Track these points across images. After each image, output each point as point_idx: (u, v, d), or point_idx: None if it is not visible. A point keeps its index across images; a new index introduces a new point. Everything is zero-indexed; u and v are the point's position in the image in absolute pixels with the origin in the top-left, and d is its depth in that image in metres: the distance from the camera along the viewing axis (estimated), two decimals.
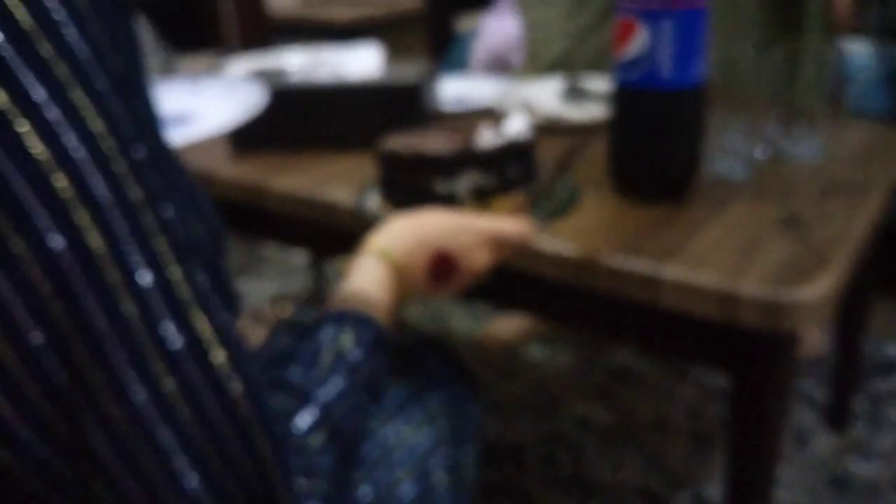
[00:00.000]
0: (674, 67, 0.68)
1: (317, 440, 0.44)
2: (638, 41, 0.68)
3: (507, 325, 1.56)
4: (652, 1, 0.66)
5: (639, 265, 0.62)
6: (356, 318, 0.52)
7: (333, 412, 0.46)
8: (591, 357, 1.51)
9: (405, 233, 0.60)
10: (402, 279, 0.57)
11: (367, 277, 0.56)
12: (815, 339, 1.42)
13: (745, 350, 0.63)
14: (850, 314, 1.16)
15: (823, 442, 1.23)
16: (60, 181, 0.30)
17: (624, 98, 0.72)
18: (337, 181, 0.84)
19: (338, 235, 0.79)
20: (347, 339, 0.50)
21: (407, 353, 0.73)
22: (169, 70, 1.25)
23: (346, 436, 0.47)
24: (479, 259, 0.61)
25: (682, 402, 1.35)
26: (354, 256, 0.58)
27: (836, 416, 1.24)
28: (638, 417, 1.32)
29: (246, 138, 0.96)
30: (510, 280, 0.73)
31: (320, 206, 0.82)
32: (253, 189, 0.87)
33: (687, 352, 0.67)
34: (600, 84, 1.13)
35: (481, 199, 0.72)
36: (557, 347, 1.55)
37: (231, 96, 0.92)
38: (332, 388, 0.47)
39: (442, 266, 0.60)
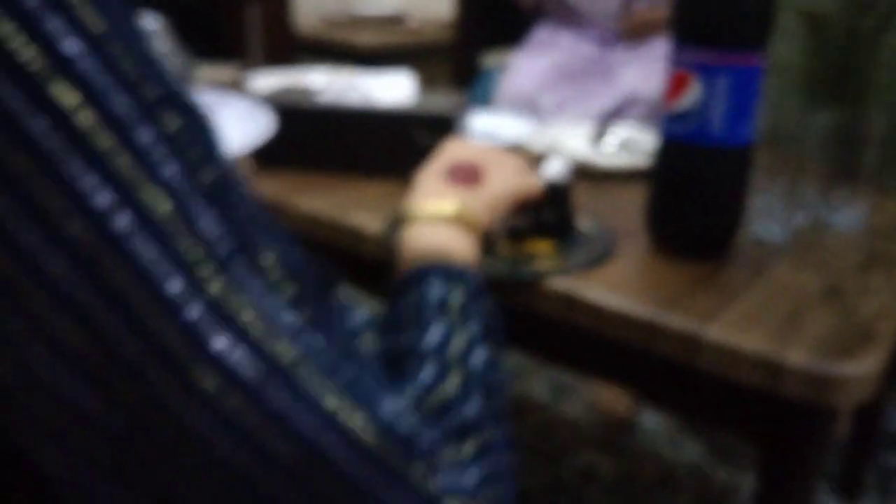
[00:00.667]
0: (725, 124, 0.67)
1: (450, 387, 0.39)
2: (690, 95, 0.67)
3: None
4: (708, 56, 0.65)
5: (679, 323, 0.60)
6: (421, 274, 0.48)
7: (451, 354, 0.41)
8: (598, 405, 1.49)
9: (425, 179, 0.60)
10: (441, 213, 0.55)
11: (411, 239, 0.53)
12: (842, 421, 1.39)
13: (782, 422, 0.60)
14: None
15: None
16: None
17: (670, 151, 0.71)
18: (364, 207, 0.82)
19: (359, 263, 0.77)
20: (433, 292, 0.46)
21: None
22: (187, 78, 1.24)
23: (482, 375, 0.42)
24: (504, 171, 0.61)
25: (689, 458, 1.33)
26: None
27: (848, 487, 1.22)
28: (643, 472, 1.29)
29: (269, 154, 0.94)
30: (539, 326, 0.71)
31: (345, 231, 0.80)
32: (273, 207, 0.85)
33: (720, 418, 0.64)
34: (632, 132, 1.13)
35: (516, 239, 0.70)
36: (565, 393, 1.52)
37: (247, 120, 0.90)
38: (434, 332, 0.42)
39: (460, 173, 0.59)
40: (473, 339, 0.44)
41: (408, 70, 1.30)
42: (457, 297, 0.46)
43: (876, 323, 0.61)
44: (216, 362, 0.28)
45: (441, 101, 1.00)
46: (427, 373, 0.39)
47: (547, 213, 0.72)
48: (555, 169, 0.73)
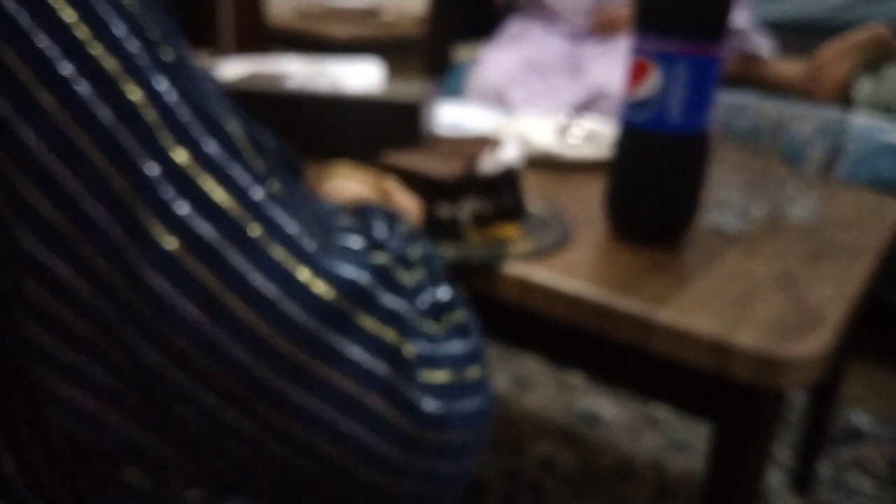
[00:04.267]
0: (683, 112, 0.68)
1: (416, 275, 0.39)
2: (650, 83, 0.68)
3: None
4: (667, 44, 0.66)
5: (631, 306, 0.60)
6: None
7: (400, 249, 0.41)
8: (557, 398, 1.50)
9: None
10: None
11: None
12: None
13: (732, 403, 0.61)
14: (822, 379, 1.16)
15: None
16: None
17: (629, 138, 0.71)
18: None
19: None
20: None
21: None
22: None
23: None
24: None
25: (647, 451, 1.34)
26: None
27: (801, 479, 1.24)
28: (602, 463, 1.30)
29: None
30: (495, 308, 0.71)
31: None
32: None
33: (673, 400, 0.65)
34: (596, 125, 1.14)
35: (481, 225, 0.71)
36: (526, 386, 1.53)
37: None
38: (379, 228, 0.42)
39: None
40: (411, 235, 0.45)
41: (377, 59, 1.30)
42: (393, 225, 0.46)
43: (825, 308, 0.62)
44: (177, 223, 0.29)
45: (408, 90, 1.00)
46: (386, 257, 0.37)
47: (504, 196, 0.72)
48: (510, 154, 0.74)
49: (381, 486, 0.33)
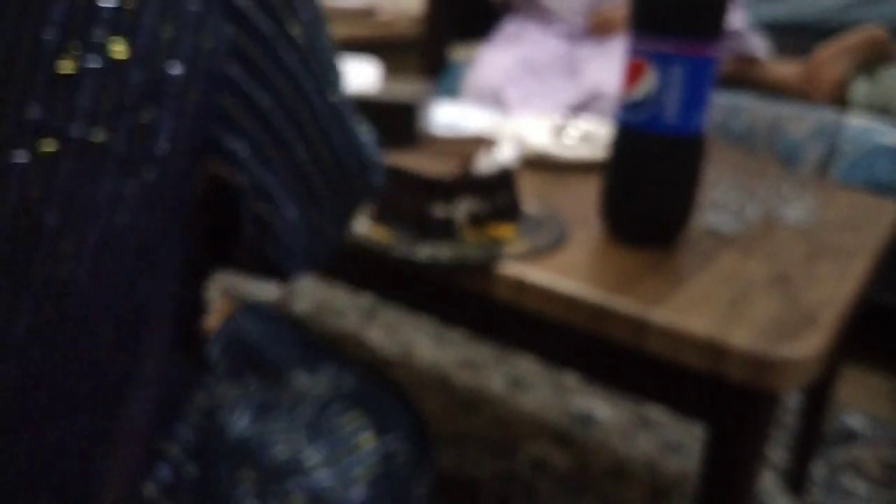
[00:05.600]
0: (679, 113, 0.68)
1: None
2: (646, 83, 0.68)
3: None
4: (664, 45, 0.66)
5: (626, 306, 0.60)
6: None
7: None
8: (552, 399, 1.50)
9: None
10: None
11: None
12: None
13: (727, 404, 0.61)
14: (816, 380, 1.16)
15: None
16: None
17: (625, 138, 0.71)
18: None
19: None
20: None
21: (367, 395, 0.71)
22: None
23: None
24: None
25: (641, 452, 1.34)
26: None
27: (795, 480, 1.24)
28: (596, 464, 1.30)
29: None
30: (490, 308, 0.71)
31: None
32: None
33: (668, 400, 0.65)
34: (592, 126, 1.14)
35: (477, 224, 0.71)
36: (521, 386, 1.53)
37: None
38: None
39: None
40: None
41: (373, 59, 1.30)
42: None
43: (820, 309, 0.62)
44: (337, 115, 0.48)
45: (404, 89, 1.00)
46: None
47: (500, 197, 0.72)
48: (507, 154, 0.74)
49: (367, 188, 0.55)
